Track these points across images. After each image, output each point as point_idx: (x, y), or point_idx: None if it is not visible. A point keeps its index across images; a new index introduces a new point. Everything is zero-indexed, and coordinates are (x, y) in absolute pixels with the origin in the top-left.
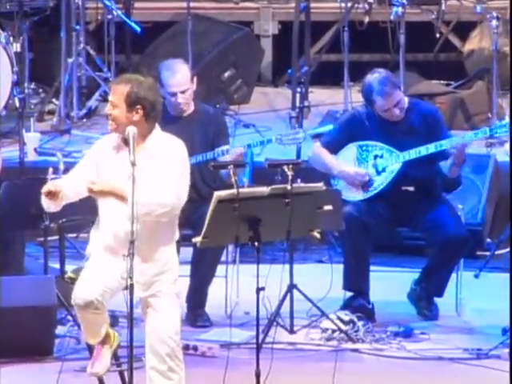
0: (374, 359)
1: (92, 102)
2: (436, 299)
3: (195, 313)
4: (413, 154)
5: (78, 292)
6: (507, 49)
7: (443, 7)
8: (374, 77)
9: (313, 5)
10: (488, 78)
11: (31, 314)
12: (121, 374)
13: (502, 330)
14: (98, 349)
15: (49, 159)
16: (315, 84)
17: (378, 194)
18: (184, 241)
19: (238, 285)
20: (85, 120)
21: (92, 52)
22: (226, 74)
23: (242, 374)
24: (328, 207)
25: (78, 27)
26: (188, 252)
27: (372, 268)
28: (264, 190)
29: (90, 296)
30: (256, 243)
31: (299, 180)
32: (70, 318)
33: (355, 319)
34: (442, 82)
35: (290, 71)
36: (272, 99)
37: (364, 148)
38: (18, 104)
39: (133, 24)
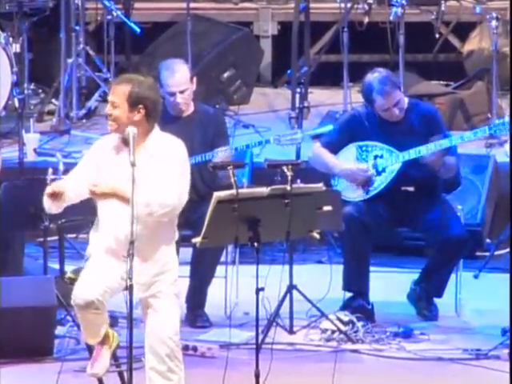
0: (374, 360)
1: (91, 103)
2: (435, 300)
3: (195, 313)
4: (413, 154)
5: (78, 292)
6: (507, 49)
7: (443, 8)
8: (375, 76)
9: (312, 5)
10: (488, 78)
11: (31, 314)
12: (120, 374)
13: (501, 331)
14: (98, 349)
15: (48, 160)
16: (315, 84)
17: (377, 195)
18: (183, 241)
19: (237, 285)
20: (84, 120)
21: (91, 52)
22: (226, 75)
23: (241, 374)
24: (327, 208)
25: (77, 28)
26: (187, 252)
27: (372, 268)
28: (263, 190)
29: (91, 296)
30: (255, 244)
31: (299, 180)
32: (69, 318)
33: (355, 320)
34: (441, 82)
35: (289, 72)
36: (271, 100)
37: (364, 148)
38: (17, 104)
39: (132, 24)
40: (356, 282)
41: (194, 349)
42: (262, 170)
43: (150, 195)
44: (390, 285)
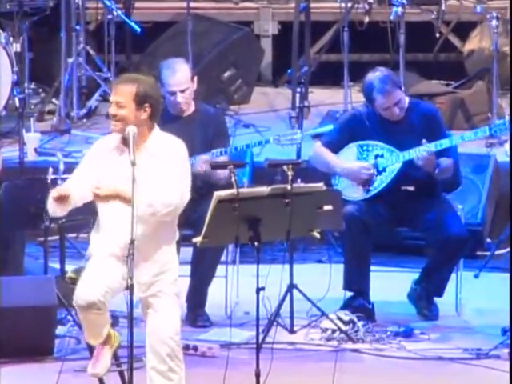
0: (374, 359)
1: (92, 102)
2: (436, 299)
3: (195, 313)
4: (413, 153)
5: (80, 293)
6: (507, 49)
7: (443, 7)
8: (376, 75)
9: (313, 5)
10: (488, 77)
11: (31, 314)
12: (121, 374)
13: (501, 330)
14: (99, 349)
15: (49, 159)
16: (315, 84)
17: (378, 194)
18: (184, 241)
19: (237, 285)
20: (85, 120)
21: (92, 52)
22: (226, 74)
23: (241, 374)
24: (328, 207)
25: (77, 27)
26: (188, 252)
27: (372, 268)
28: (264, 189)
29: (92, 297)
30: (256, 243)
31: (299, 180)
32: (70, 318)
33: (355, 319)
34: (441, 82)
35: (289, 71)
36: (272, 99)
37: (364, 148)
38: (18, 104)
39: (133, 24)
40: (356, 282)
41: (195, 348)
42: (262, 169)
43: (152, 195)
44: (391, 284)
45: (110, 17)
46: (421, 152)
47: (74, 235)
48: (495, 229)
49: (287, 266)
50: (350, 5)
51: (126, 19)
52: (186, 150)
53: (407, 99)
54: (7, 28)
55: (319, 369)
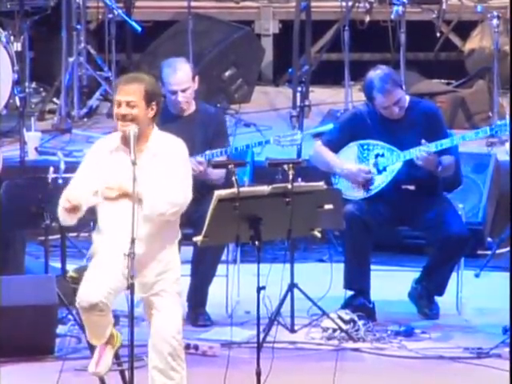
0: (375, 358)
1: (93, 102)
2: (437, 298)
3: (196, 312)
4: (413, 153)
5: (82, 294)
6: (508, 48)
7: (444, 6)
8: (376, 73)
9: (313, 4)
10: (489, 77)
11: (32, 313)
12: (122, 373)
13: (502, 329)
14: (101, 349)
15: (49, 158)
16: (316, 83)
17: (378, 193)
18: (185, 240)
19: (238, 284)
20: (85, 119)
21: (93, 51)
22: (227, 74)
23: (242, 373)
24: (329, 206)
25: (78, 26)
26: (188, 251)
27: (372, 267)
28: (265, 189)
29: (95, 298)
30: (257, 242)
31: (300, 179)
32: (70, 317)
33: (356, 318)
34: (442, 81)
35: (290, 70)
36: (273, 98)
37: (365, 147)
38: (18, 103)
39: (133, 23)
40: (357, 281)
41: (196, 347)
42: (263, 168)
43: (160, 194)
44: (391, 283)
45: (110, 16)
46: (421, 152)
47: (75, 234)
48: (496, 228)
49: (288, 265)
50: (350, 4)
51: (126, 18)
52: (187, 149)
53: (408, 98)
54: (8, 27)
55: (320, 368)
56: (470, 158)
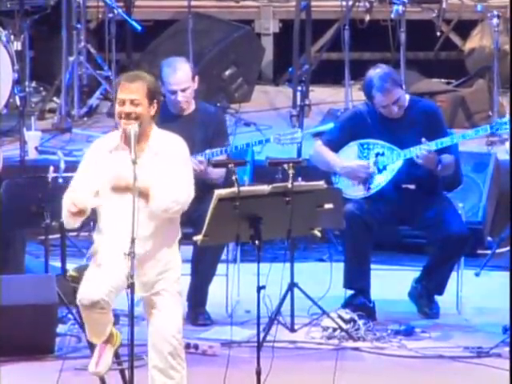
0: (375, 358)
1: (93, 101)
2: (437, 297)
3: (196, 311)
4: (414, 151)
5: (83, 292)
6: (508, 47)
7: (444, 5)
8: (376, 72)
9: (313, 3)
10: (489, 76)
11: (32, 312)
12: (122, 372)
13: (502, 329)
14: (101, 348)
15: (50, 158)
16: (316, 82)
17: (378, 192)
18: (185, 239)
19: (238, 283)
20: (85, 118)
21: (93, 50)
22: (227, 73)
23: (242, 372)
24: (329, 205)
25: (78, 25)
26: (188, 250)
27: (372, 266)
28: (265, 188)
29: (96, 296)
30: (257, 242)
31: (300, 178)
32: (70, 316)
33: (356, 317)
34: (442, 80)
35: (290, 70)
36: (273, 98)
37: (365, 146)
38: (18, 102)
39: (133, 22)
40: (357, 280)
41: (196, 347)
42: (263, 167)
43: (165, 192)
44: (391, 283)
45: (110, 15)
46: (421, 151)
47: (75, 234)
48: (496, 227)
49: (288, 265)
50: (350, 3)
51: (126, 18)
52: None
53: (408, 97)
54: (8, 26)
55: (320, 367)
56: (470, 158)
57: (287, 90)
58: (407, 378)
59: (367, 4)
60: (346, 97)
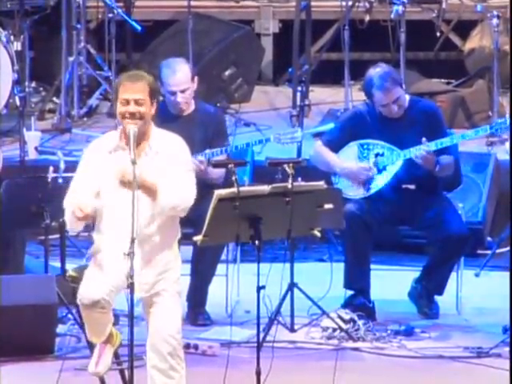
0: (375, 358)
1: (93, 101)
2: (437, 297)
3: (196, 311)
4: (413, 152)
5: (84, 291)
6: (508, 47)
7: (444, 6)
8: (376, 71)
9: (313, 3)
10: (489, 76)
11: (32, 312)
12: (121, 372)
13: (502, 329)
14: (101, 348)
15: (49, 158)
16: (316, 83)
17: (378, 193)
18: (184, 239)
19: (238, 283)
20: (85, 119)
21: (92, 51)
22: (227, 73)
23: (242, 372)
24: (329, 206)
25: (78, 26)
26: (188, 251)
27: (372, 266)
28: (265, 188)
29: (97, 296)
30: (256, 242)
31: (300, 178)
32: (70, 316)
33: (356, 318)
34: (442, 80)
35: (290, 70)
36: (273, 98)
37: (365, 146)
38: (18, 103)
39: (133, 23)
40: (357, 280)
41: (195, 347)
42: (263, 168)
43: (172, 190)
44: (391, 283)
45: (110, 15)
46: (420, 151)
47: (75, 234)
48: (496, 227)
49: (288, 265)
50: (350, 3)
51: (126, 18)
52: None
53: (408, 97)
54: (8, 27)
55: (320, 367)
56: (470, 158)
57: (287, 90)
58: (407, 378)
59: (367, 4)
60: (345, 97)
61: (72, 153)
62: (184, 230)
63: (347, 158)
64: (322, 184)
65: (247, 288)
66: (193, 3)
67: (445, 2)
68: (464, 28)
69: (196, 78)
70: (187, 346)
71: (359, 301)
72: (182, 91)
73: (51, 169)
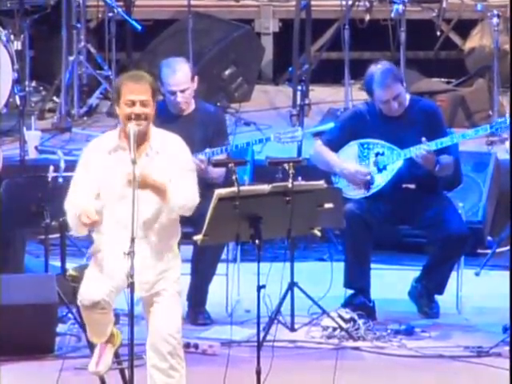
0: (375, 357)
1: (93, 100)
2: (437, 297)
3: (196, 311)
4: (413, 151)
5: (84, 292)
6: (508, 46)
7: (444, 5)
8: (378, 68)
9: (313, 2)
10: (489, 75)
11: (32, 311)
12: (121, 372)
13: (502, 328)
14: (101, 348)
15: (49, 157)
16: (316, 82)
17: (379, 192)
18: (185, 239)
19: (238, 283)
20: (85, 118)
21: (93, 50)
22: (227, 72)
23: (242, 371)
24: (329, 205)
25: (78, 25)
26: (188, 250)
27: (372, 266)
28: (265, 187)
29: (97, 296)
30: (257, 241)
31: (300, 178)
32: (70, 316)
33: (356, 317)
34: (442, 79)
35: (290, 69)
36: (273, 97)
37: (365, 146)
38: (18, 102)
39: (133, 22)
40: (357, 280)
41: (196, 346)
42: (263, 167)
43: (179, 189)
44: (391, 282)
45: (110, 15)
46: (420, 150)
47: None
48: (496, 227)
49: (288, 264)
50: (350, 2)
51: (126, 17)
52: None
53: (408, 97)
54: (8, 26)
55: (320, 367)
56: (470, 157)
57: (287, 90)
58: (407, 378)
59: (367, 3)
60: (345, 96)
61: (72, 152)
62: (184, 229)
63: (347, 158)
64: (322, 183)
65: (247, 287)
66: (193, 2)
67: (445, 1)
68: (464, 27)
69: (196, 78)
70: (187, 346)
71: (359, 300)
72: (182, 91)
73: (51, 168)
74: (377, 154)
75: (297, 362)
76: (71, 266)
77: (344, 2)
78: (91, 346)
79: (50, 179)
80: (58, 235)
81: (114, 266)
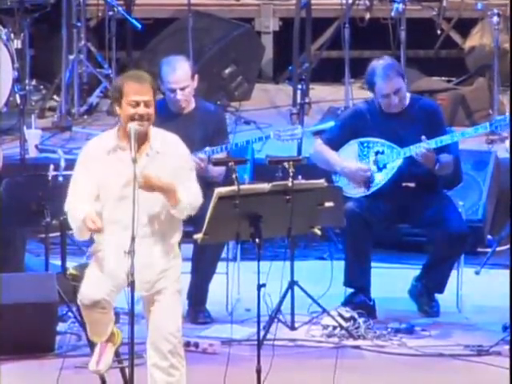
0: (375, 356)
1: (93, 99)
2: (437, 296)
3: (196, 310)
4: (413, 150)
5: (84, 292)
6: (508, 45)
7: (444, 4)
8: (380, 62)
9: (314, 1)
10: (489, 74)
11: (32, 310)
12: (122, 370)
13: (502, 327)
14: (102, 346)
15: (50, 156)
16: (316, 80)
17: (379, 191)
18: (185, 237)
19: (238, 281)
20: (86, 117)
21: (93, 49)
22: (227, 71)
23: (242, 370)
24: (329, 204)
25: (78, 24)
26: (189, 249)
27: (373, 264)
28: (265, 186)
29: (98, 296)
30: (257, 240)
31: (300, 176)
32: (70, 314)
33: (356, 316)
34: (442, 78)
35: (290, 68)
36: (273, 96)
37: (365, 144)
38: (18, 101)
39: (133, 21)
40: (357, 278)
41: (196, 345)
42: (263, 166)
43: (185, 188)
44: (391, 281)
45: (110, 13)
46: (420, 148)
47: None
48: (496, 225)
49: (288, 263)
50: (350, 1)
51: (126, 16)
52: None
53: (408, 95)
54: (8, 24)
55: (320, 365)
56: (470, 156)
57: (287, 88)
58: (407, 376)
59: (367, 2)
60: (346, 95)
61: (72, 151)
62: (184, 227)
63: (347, 157)
64: (322, 182)
65: (247, 286)
66: (193, 1)
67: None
68: (464, 26)
69: (196, 76)
70: (188, 344)
71: (359, 299)
72: (182, 89)
73: (51, 167)
74: (377, 153)
75: (297, 360)
76: (71, 264)
77: (344, 1)
78: (91, 345)
79: (50, 178)
80: (58, 234)
81: (115, 266)
